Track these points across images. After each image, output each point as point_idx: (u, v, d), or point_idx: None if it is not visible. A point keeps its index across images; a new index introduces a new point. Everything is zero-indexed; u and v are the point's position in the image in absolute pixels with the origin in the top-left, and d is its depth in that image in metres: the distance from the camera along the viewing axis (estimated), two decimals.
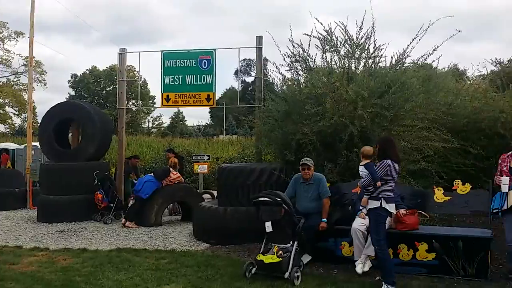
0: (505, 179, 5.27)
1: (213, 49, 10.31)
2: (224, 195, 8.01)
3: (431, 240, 5.61)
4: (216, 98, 10.99)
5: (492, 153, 8.30)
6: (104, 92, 55.66)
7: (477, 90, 11.17)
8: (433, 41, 8.06)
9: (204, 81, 10.19)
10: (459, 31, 7.97)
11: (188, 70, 10.37)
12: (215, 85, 10.19)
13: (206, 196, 12.02)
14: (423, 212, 6.13)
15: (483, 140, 9.14)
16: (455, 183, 6.16)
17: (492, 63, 24.82)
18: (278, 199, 5.47)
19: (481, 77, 16.89)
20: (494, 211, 5.38)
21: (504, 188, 5.26)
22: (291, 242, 5.50)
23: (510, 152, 5.38)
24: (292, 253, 5.36)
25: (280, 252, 5.37)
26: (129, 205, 10.10)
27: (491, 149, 8.57)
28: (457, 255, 5.48)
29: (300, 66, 8.56)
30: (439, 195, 6.17)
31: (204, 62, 10.18)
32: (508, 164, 5.33)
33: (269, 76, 9.90)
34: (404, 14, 72.46)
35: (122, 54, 11.08)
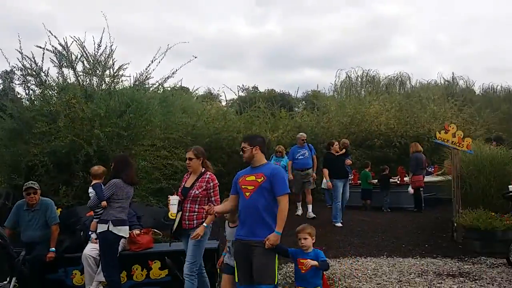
0: (173, 199, 4.51)
1: None
2: None
3: (164, 257, 5.70)
4: None
5: (232, 169, 9.23)
6: None
7: (219, 112, 12.39)
8: (192, 66, 8.63)
9: None
10: (195, 57, 8.79)
11: None
12: None
13: None
14: (156, 231, 6.22)
15: (224, 157, 10.14)
16: None
17: (239, 90, 28.07)
18: None
19: (231, 100, 18.89)
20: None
21: (172, 209, 4.49)
22: (8, 279, 4.81)
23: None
24: None
25: None
26: None
27: (231, 166, 9.51)
28: None
29: (33, 80, 7.78)
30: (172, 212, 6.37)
31: None
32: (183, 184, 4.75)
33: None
34: (167, 38, 75.54)
35: None
